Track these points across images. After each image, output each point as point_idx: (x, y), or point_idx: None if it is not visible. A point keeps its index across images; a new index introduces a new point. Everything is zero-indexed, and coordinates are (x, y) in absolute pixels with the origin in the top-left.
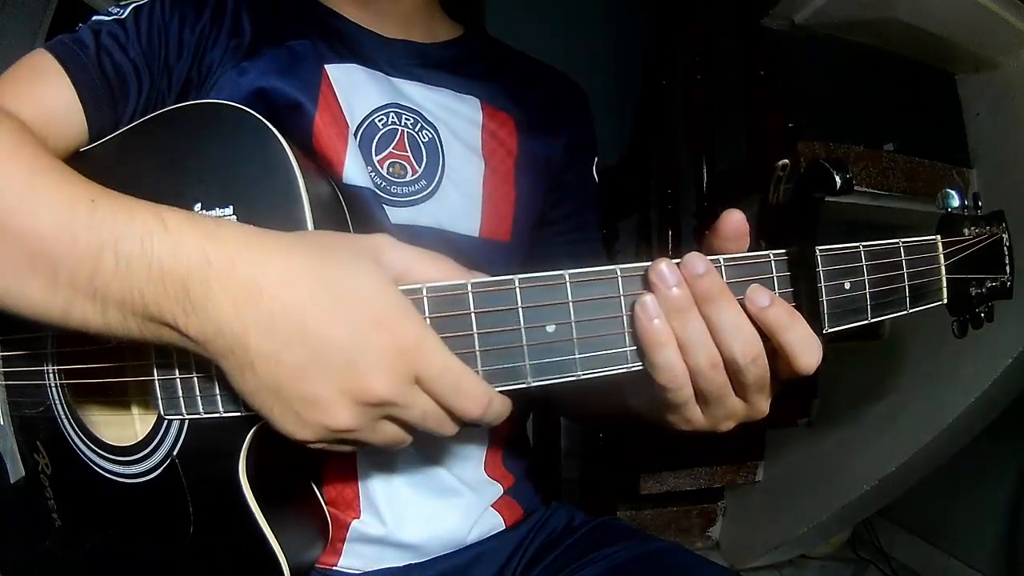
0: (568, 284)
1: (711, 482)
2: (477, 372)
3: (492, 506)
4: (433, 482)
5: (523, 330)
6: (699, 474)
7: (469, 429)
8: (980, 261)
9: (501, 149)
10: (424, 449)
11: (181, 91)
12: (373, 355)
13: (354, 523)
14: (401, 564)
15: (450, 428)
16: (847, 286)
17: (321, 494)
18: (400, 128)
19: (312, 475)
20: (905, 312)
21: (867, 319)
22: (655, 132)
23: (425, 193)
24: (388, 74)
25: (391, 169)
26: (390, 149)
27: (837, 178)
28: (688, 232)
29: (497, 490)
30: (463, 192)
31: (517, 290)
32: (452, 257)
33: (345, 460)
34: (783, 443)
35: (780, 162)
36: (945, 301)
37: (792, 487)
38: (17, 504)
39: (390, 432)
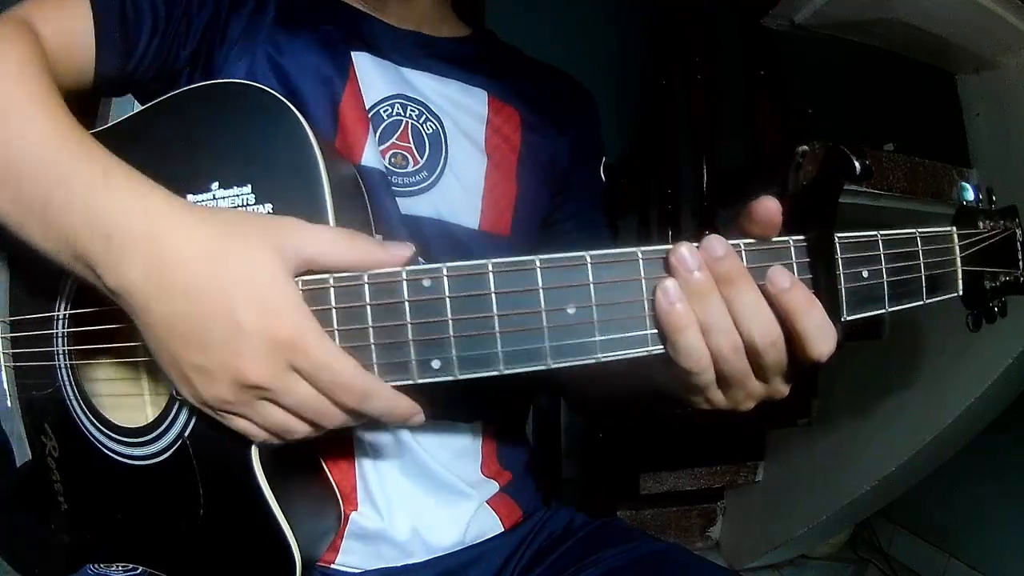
0: (589, 265)
1: (711, 482)
2: (497, 354)
3: (488, 503)
4: (429, 476)
5: (544, 312)
6: (699, 474)
7: (459, 426)
8: (994, 255)
9: (505, 144)
10: (420, 444)
11: (197, 53)
12: (251, 341)
13: (353, 515)
14: (398, 564)
15: (332, 417)
16: (865, 274)
17: None
18: (405, 119)
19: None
20: (921, 303)
21: (885, 308)
22: (655, 132)
23: (426, 184)
24: (398, 63)
25: (393, 159)
26: (393, 139)
27: (857, 164)
28: (688, 232)
29: (492, 487)
30: (464, 185)
31: (538, 271)
32: (452, 248)
33: (344, 452)
34: (783, 443)
35: (800, 148)
36: (961, 293)
37: (792, 487)
38: (23, 487)
39: (274, 415)
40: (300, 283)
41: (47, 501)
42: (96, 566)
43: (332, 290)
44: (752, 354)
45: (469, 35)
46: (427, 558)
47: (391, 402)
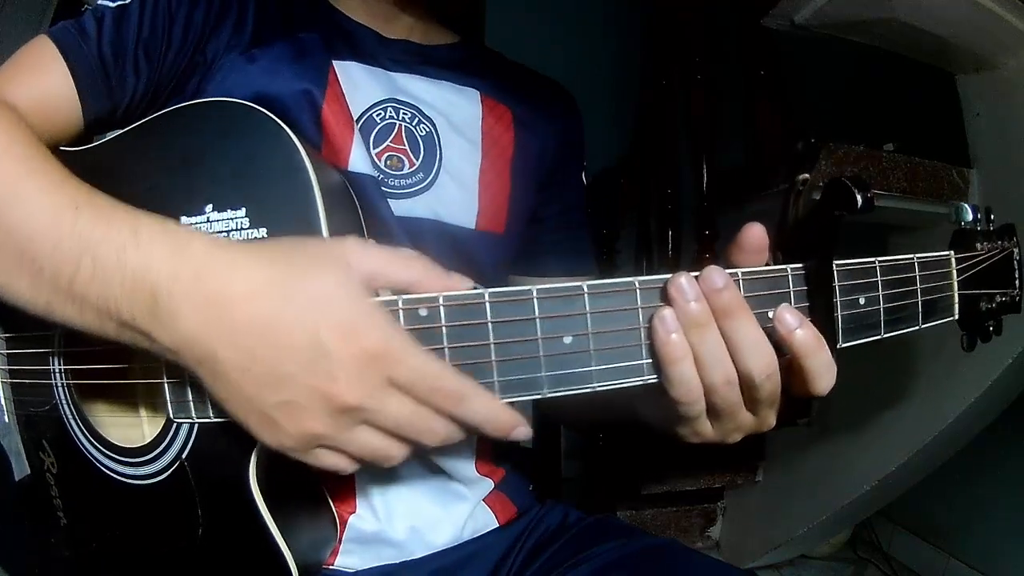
0: (586, 295)
1: (711, 482)
2: (493, 383)
3: (484, 501)
4: (425, 477)
5: (540, 341)
6: (699, 474)
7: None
8: (991, 276)
9: (499, 143)
10: None
11: (182, 77)
12: (341, 362)
13: (351, 519)
14: (397, 561)
15: (432, 432)
16: (861, 301)
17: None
18: (398, 122)
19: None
20: (916, 328)
21: (880, 334)
22: (655, 132)
23: (422, 185)
24: (388, 69)
25: (388, 162)
26: (387, 143)
27: (859, 197)
28: (688, 232)
29: (488, 485)
30: (460, 185)
31: (535, 301)
32: (449, 248)
33: None
34: (783, 443)
35: (800, 176)
36: (956, 317)
37: (792, 487)
38: (22, 503)
39: (371, 442)
40: None
41: (47, 516)
42: None
43: None
44: (746, 386)
45: (457, 42)
46: (425, 554)
47: (491, 408)
